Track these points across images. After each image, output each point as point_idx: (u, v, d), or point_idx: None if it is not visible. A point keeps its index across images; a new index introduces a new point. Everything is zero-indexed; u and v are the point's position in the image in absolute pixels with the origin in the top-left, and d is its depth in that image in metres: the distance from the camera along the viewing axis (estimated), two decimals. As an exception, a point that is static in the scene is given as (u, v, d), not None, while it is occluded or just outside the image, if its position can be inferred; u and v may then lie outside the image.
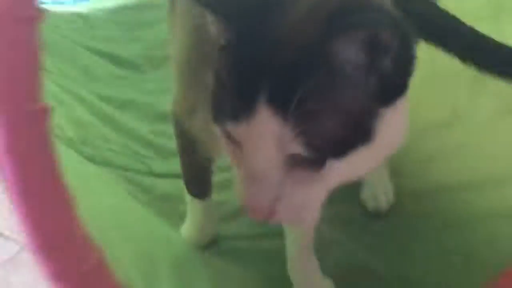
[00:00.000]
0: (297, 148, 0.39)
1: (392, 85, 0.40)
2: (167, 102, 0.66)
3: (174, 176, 0.82)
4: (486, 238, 0.66)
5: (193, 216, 0.75)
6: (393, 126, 0.42)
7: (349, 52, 0.38)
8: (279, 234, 0.77)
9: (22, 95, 0.30)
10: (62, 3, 1.40)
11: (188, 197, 0.74)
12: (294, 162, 0.40)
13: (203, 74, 0.48)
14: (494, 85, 0.78)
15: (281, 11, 0.40)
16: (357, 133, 0.40)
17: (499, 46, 0.55)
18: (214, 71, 0.43)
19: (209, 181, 0.72)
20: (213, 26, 0.43)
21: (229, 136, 0.42)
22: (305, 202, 0.42)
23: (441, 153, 0.77)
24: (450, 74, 0.80)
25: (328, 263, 0.67)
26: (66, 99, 1.00)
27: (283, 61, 0.38)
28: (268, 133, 0.39)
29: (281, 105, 0.38)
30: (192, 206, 0.75)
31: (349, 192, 0.77)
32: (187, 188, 0.73)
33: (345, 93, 0.39)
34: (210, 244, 0.76)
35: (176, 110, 0.64)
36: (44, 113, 0.32)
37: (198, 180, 0.72)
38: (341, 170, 0.41)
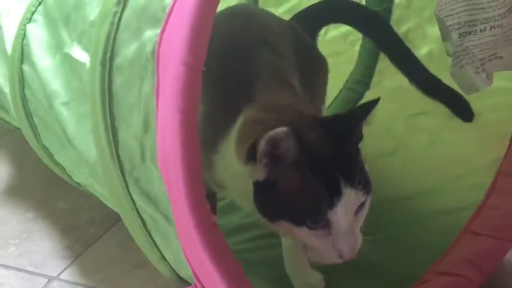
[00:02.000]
0: (362, 198, 0.61)
1: None
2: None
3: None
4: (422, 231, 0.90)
5: None
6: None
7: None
8: (269, 246, 0.95)
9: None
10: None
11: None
12: None
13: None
14: (423, 121, 1.06)
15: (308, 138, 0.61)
16: (368, 178, 0.64)
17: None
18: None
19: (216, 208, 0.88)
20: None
21: (315, 228, 0.60)
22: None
23: (388, 174, 1.02)
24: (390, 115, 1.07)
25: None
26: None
27: (343, 162, 0.60)
28: (353, 202, 0.60)
29: (352, 183, 0.59)
30: None
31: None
32: None
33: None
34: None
35: None
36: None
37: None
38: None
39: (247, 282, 0.52)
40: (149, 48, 0.55)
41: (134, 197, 0.61)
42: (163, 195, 0.56)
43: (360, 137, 0.65)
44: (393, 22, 1.07)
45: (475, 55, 0.84)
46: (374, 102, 0.62)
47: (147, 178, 0.59)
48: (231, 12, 0.89)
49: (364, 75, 1.17)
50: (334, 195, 0.58)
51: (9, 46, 0.95)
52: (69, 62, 0.76)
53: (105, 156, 0.61)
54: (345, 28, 1.24)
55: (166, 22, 0.52)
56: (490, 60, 0.86)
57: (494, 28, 0.82)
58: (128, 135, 0.59)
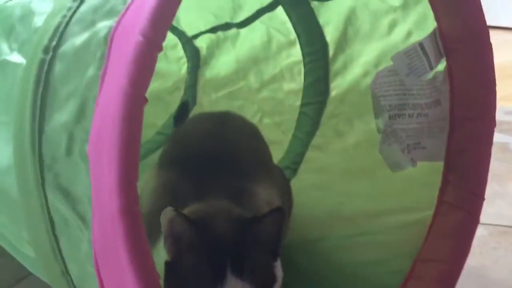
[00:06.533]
0: None
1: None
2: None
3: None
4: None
5: None
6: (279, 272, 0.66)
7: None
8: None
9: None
10: None
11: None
12: None
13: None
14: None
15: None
16: (270, 278, 0.64)
17: None
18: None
19: None
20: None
21: None
22: None
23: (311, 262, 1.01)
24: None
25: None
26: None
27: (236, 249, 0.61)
28: None
29: (241, 274, 0.60)
30: None
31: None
32: None
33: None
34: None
35: None
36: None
37: None
38: None
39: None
40: (102, 34, 0.53)
41: (49, 195, 0.54)
42: (84, 194, 0.50)
43: (277, 240, 0.65)
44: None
45: (403, 139, 0.89)
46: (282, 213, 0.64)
47: (69, 173, 0.53)
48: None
49: (293, 162, 1.19)
50: (218, 281, 0.59)
51: None
52: (2, 68, 0.71)
53: (24, 148, 0.55)
54: (279, 118, 1.30)
55: (128, 8, 0.51)
56: (415, 148, 0.91)
57: (420, 116, 0.88)
58: (57, 125, 0.54)
